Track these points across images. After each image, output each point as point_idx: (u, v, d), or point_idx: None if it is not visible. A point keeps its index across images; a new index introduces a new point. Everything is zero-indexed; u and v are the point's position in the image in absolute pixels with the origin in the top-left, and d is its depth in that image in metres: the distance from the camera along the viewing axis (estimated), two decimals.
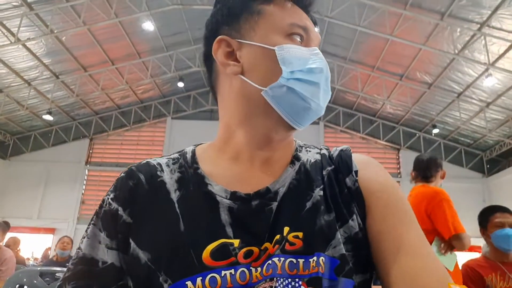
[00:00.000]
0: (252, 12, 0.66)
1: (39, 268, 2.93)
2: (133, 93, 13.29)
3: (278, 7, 0.66)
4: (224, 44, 0.66)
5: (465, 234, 2.48)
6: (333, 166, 0.68)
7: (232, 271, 0.55)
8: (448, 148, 13.43)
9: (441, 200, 2.54)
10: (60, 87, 11.59)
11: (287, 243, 0.57)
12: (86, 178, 13.60)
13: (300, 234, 0.58)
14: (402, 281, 0.54)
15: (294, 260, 0.56)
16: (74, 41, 10.12)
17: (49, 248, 8.91)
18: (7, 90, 10.99)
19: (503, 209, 2.43)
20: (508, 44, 8.54)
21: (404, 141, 13.63)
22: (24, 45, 9.59)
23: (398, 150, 13.73)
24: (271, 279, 0.55)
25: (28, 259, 8.55)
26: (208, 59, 0.72)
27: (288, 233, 0.58)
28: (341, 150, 0.71)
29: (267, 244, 0.58)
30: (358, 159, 0.69)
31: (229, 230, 0.59)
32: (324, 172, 0.66)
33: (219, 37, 0.67)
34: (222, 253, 0.56)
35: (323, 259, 0.56)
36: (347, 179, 0.65)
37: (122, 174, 0.68)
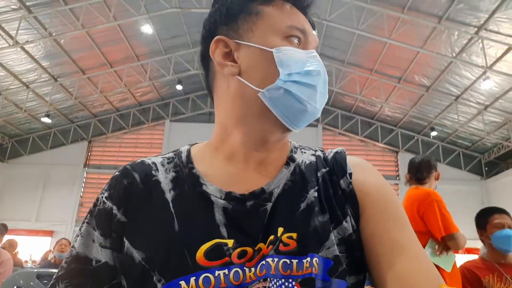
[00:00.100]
0: (250, 13, 0.65)
1: (36, 270, 2.91)
2: (132, 95, 13.28)
3: (277, 8, 0.66)
4: (222, 45, 0.66)
5: (458, 234, 2.47)
6: (327, 168, 0.68)
7: (226, 271, 0.55)
8: (447, 150, 13.45)
9: (432, 201, 2.54)
10: (58, 90, 11.58)
11: (281, 244, 0.57)
12: (84, 180, 13.58)
13: (294, 235, 0.58)
14: (394, 283, 0.55)
15: (288, 261, 0.56)
16: (72, 44, 10.12)
17: (50, 251, 8.88)
18: (5, 93, 10.97)
19: (500, 211, 2.44)
20: (506, 47, 8.58)
21: (402, 144, 13.64)
22: (23, 48, 9.59)
23: (397, 152, 13.74)
24: (265, 280, 0.55)
25: (26, 261, 8.51)
26: (205, 59, 0.71)
27: (282, 233, 0.58)
28: (336, 152, 0.71)
29: (261, 245, 0.58)
30: (353, 162, 0.69)
31: (223, 230, 0.59)
32: (319, 174, 0.67)
33: (217, 37, 0.66)
34: (216, 253, 0.56)
35: (317, 260, 0.56)
36: (342, 181, 0.65)
37: (117, 173, 0.68)
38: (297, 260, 0.56)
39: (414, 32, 9.18)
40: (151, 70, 12.00)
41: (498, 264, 2.28)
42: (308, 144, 0.77)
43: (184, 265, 0.55)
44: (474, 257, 2.51)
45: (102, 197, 0.65)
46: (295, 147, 0.73)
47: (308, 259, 0.56)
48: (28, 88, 11.05)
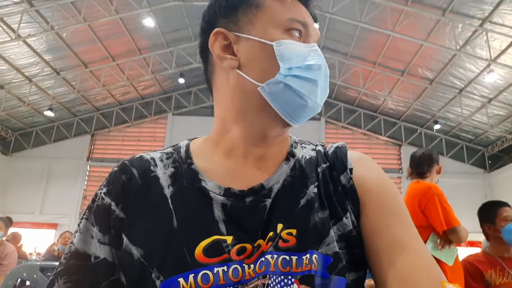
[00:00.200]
0: (250, 5, 0.64)
1: (39, 263, 2.93)
2: (134, 89, 13.29)
3: (278, 0, 0.64)
4: (221, 37, 0.65)
5: (460, 227, 2.46)
6: (328, 163, 0.67)
7: (225, 268, 0.55)
8: (450, 144, 13.41)
9: (433, 195, 2.53)
10: (61, 83, 11.60)
11: (280, 240, 0.57)
12: (87, 173, 13.66)
13: (294, 231, 0.58)
14: (395, 279, 0.54)
15: (287, 257, 0.55)
16: (74, 37, 10.10)
17: (54, 244, 8.95)
18: (8, 87, 11.00)
19: (504, 204, 2.43)
20: (510, 40, 8.50)
21: (405, 137, 13.61)
22: (25, 42, 9.58)
23: (400, 146, 13.71)
24: (264, 276, 0.55)
25: (31, 254, 8.58)
26: (204, 51, 0.70)
27: (282, 230, 0.58)
28: (337, 147, 0.70)
29: (260, 241, 0.57)
30: (353, 157, 0.68)
31: (222, 227, 0.58)
32: (319, 169, 0.66)
33: (216, 29, 0.65)
34: (215, 249, 0.56)
35: (316, 256, 0.56)
36: (342, 177, 0.64)
37: (115, 168, 0.67)
38: (296, 257, 0.56)
39: (418, 25, 9.10)
40: (153, 64, 11.98)
41: (500, 258, 2.28)
42: (311, 137, 0.76)
43: (182, 262, 0.55)
44: (477, 250, 2.51)
45: (101, 192, 0.64)
46: (295, 142, 0.72)
47: (308, 255, 0.56)
48: (30, 82, 11.07)
